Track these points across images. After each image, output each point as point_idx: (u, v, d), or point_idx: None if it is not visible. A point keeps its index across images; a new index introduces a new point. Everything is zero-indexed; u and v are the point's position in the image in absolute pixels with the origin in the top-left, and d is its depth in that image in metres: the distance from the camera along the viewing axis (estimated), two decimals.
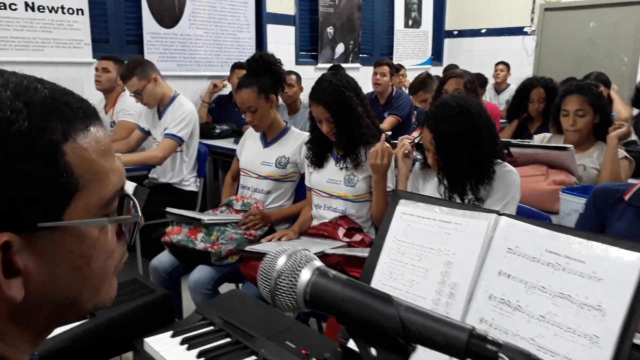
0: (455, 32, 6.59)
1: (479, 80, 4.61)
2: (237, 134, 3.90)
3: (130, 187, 1.89)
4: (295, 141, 2.35)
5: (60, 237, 0.48)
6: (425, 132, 1.66)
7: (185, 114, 2.94)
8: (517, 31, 6.03)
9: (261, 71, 2.29)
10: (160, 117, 3.01)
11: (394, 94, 4.47)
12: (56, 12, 3.49)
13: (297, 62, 5.03)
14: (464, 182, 1.64)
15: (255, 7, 4.55)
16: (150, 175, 3.09)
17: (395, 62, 5.75)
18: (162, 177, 3.04)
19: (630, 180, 2.30)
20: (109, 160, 0.52)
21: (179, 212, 2.16)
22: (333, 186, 2.11)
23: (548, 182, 2.01)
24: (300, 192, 2.42)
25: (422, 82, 3.63)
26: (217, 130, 3.91)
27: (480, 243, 0.99)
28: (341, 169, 2.07)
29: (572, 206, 1.81)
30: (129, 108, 3.34)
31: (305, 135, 2.37)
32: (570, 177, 2.08)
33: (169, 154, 2.89)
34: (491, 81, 5.47)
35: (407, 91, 5.21)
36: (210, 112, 4.31)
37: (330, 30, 5.22)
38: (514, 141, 2.30)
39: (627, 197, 1.50)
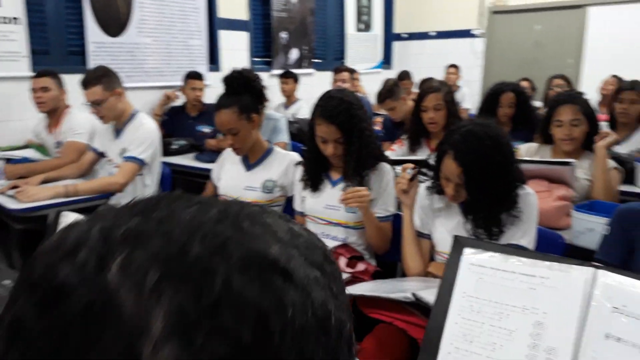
0: (405, 36, 6.60)
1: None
2: (196, 149, 3.65)
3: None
4: (282, 162, 2.17)
5: None
6: (451, 164, 1.53)
7: (147, 133, 2.68)
8: (466, 34, 6.12)
9: (241, 89, 2.09)
10: (117, 135, 2.73)
11: None
12: None
13: (251, 69, 4.81)
14: (494, 216, 1.54)
15: (207, 13, 4.29)
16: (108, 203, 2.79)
17: (348, 66, 5.67)
18: (121, 204, 2.74)
19: (624, 188, 2.32)
20: None
21: None
22: (332, 212, 1.94)
23: (553, 198, 1.96)
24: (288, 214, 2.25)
25: (390, 90, 3.55)
26: (175, 146, 3.63)
27: (579, 301, 0.87)
28: (341, 191, 1.92)
29: (586, 224, 1.76)
30: (78, 127, 3.00)
31: (292, 155, 2.20)
32: (570, 191, 2.04)
33: (131, 178, 2.61)
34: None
35: (363, 96, 5.14)
36: (163, 125, 4.00)
37: (284, 35, 5.03)
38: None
39: None
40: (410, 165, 1.83)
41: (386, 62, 6.53)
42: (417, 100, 2.69)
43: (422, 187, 1.82)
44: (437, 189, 1.71)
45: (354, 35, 5.87)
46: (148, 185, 2.77)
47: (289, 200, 2.20)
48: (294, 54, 5.18)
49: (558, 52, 5.54)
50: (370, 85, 5.83)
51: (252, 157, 2.20)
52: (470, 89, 5.70)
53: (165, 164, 3.00)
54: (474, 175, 1.51)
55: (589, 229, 1.73)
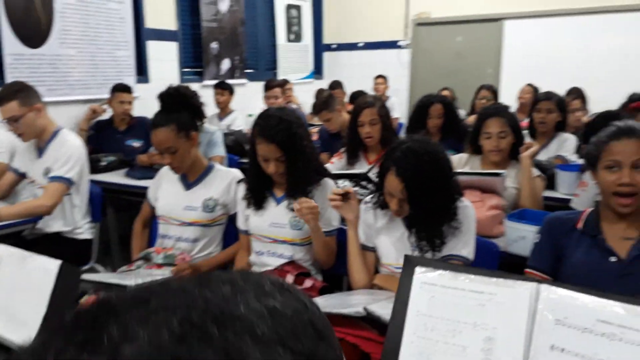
0: (334, 46, 6.71)
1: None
2: (126, 165, 3.50)
3: None
4: (223, 180, 2.14)
5: None
6: (394, 180, 1.58)
7: (72, 150, 2.54)
8: (392, 45, 6.32)
9: (178, 106, 2.04)
10: (40, 154, 2.56)
11: None
12: None
13: (182, 80, 4.70)
14: (436, 229, 1.60)
15: (134, 23, 4.13)
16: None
17: (280, 76, 5.69)
18: (49, 227, 2.57)
19: (546, 194, 2.49)
20: None
21: (97, 279, 1.82)
22: (278, 230, 1.94)
23: (486, 207, 2.07)
24: (229, 235, 2.21)
25: (325, 101, 3.60)
26: (103, 163, 3.47)
27: (525, 315, 0.93)
28: (288, 208, 1.92)
29: (518, 233, 1.87)
30: None
31: (234, 172, 2.17)
32: (501, 200, 2.16)
33: (58, 200, 2.46)
34: (372, 94, 5.65)
35: (297, 107, 5.17)
36: (89, 141, 3.81)
37: (214, 45, 4.96)
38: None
39: (579, 227, 1.56)
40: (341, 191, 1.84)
41: (317, 72, 6.61)
42: (352, 116, 2.74)
43: (365, 201, 1.87)
44: (380, 203, 1.76)
45: (284, 46, 5.89)
46: (77, 206, 2.63)
47: (231, 219, 2.18)
48: (226, 64, 5.12)
49: (478, 62, 5.86)
50: (302, 96, 5.89)
51: (191, 176, 2.14)
52: (398, 98, 5.89)
53: (94, 182, 2.86)
54: (415, 190, 1.56)
55: (521, 236, 1.85)
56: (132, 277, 1.87)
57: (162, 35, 4.47)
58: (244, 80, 5.36)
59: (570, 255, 1.55)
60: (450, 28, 5.95)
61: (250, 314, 0.30)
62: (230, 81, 4.79)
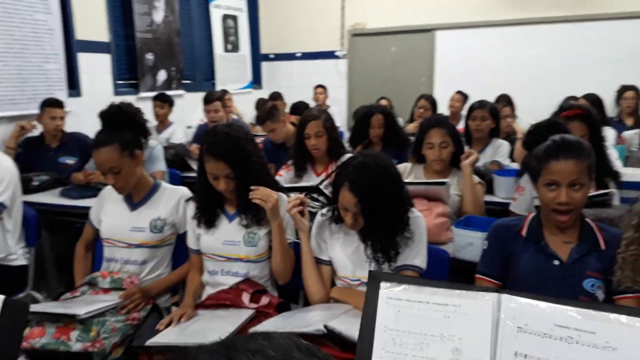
0: (272, 56, 6.71)
1: (301, 108, 4.78)
2: (60, 184, 3.32)
3: None
4: (171, 198, 2.08)
5: None
6: (347, 195, 1.60)
7: (2, 173, 2.39)
8: (330, 55, 6.41)
9: (121, 124, 1.97)
10: None
11: None
12: None
13: (116, 93, 4.53)
14: (390, 240, 1.64)
15: (64, 35, 3.94)
16: None
17: (218, 87, 5.62)
18: None
19: (485, 199, 2.60)
20: None
21: (41, 310, 1.71)
22: (231, 248, 1.91)
23: (433, 215, 2.14)
24: (178, 254, 2.15)
25: (270, 112, 3.59)
26: (35, 182, 3.27)
27: (489, 325, 0.97)
28: (241, 225, 1.89)
29: (466, 239, 1.95)
30: None
31: (182, 190, 2.12)
32: (446, 208, 2.24)
33: None
34: (312, 104, 5.70)
35: (238, 118, 5.13)
36: (17, 159, 3.57)
37: (150, 56, 4.82)
38: None
39: (524, 233, 1.65)
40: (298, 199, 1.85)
41: (256, 82, 6.59)
42: (298, 128, 2.76)
43: (319, 215, 1.88)
44: (335, 217, 1.78)
45: (222, 56, 5.83)
46: (10, 231, 2.47)
47: (180, 238, 2.12)
48: (162, 75, 4.99)
49: (413, 71, 6.07)
50: (242, 106, 5.84)
51: (137, 196, 2.07)
52: (338, 107, 5.98)
53: (26, 203, 2.69)
54: (369, 204, 1.59)
55: (469, 243, 1.93)
56: (77, 305, 1.78)
57: (93, 47, 4.29)
58: (181, 92, 5.24)
59: (517, 260, 1.63)
60: (385, 38, 6.12)
61: None
62: (167, 92, 4.68)
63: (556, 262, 1.56)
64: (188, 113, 5.28)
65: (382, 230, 1.64)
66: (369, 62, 6.27)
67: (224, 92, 5.33)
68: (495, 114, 3.41)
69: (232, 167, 1.78)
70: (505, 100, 4.75)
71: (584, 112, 2.51)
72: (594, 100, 4.51)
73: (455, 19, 5.76)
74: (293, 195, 2.19)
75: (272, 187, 1.97)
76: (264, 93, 6.55)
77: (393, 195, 1.60)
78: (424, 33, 5.93)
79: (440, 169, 2.49)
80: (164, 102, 4.43)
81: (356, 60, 6.32)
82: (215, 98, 4.15)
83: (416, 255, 1.69)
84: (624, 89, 4.97)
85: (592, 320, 0.92)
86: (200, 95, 5.03)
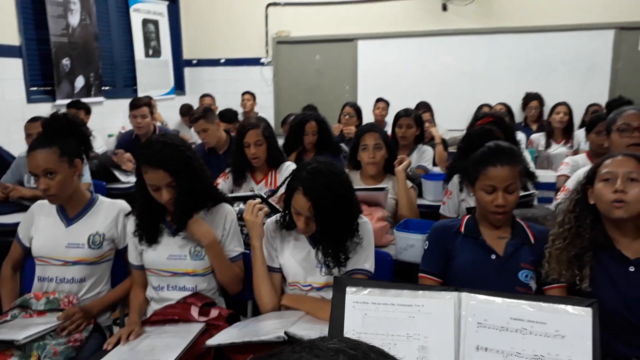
0: (195, 62, 6.58)
1: (229, 115, 4.75)
2: None
3: None
4: (109, 212, 1.99)
5: None
6: (301, 199, 1.63)
7: None
8: (255, 62, 6.40)
9: (64, 132, 1.88)
10: None
11: (157, 132, 4.20)
12: None
13: (30, 100, 4.23)
14: (341, 245, 1.69)
15: None
16: None
17: (140, 93, 5.43)
18: None
19: (419, 202, 2.74)
20: None
21: None
22: (177, 263, 1.86)
23: (374, 220, 2.22)
24: (117, 271, 2.07)
25: (205, 111, 3.51)
26: None
27: (452, 322, 1.05)
28: (186, 238, 1.86)
29: (407, 242, 2.05)
30: None
31: (121, 204, 2.04)
32: (385, 212, 2.35)
33: None
34: (240, 111, 5.66)
35: (162, 124, 4.98)
36: None
37: (66, 61, 4.55)
38: None
39: (462, 231, 1.78)
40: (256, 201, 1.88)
41: (179, 88, 6.42)
42: (237, 137, 2.75)
43: (269, 223, 1.89)
44: (286, 224, 1.80)
45: (143, 61, 5.63)
46: None
47: (118, 253, 2.04)
48: (80, 81, 4.73)
49: (337, 79, 6.22)
50: (165, 112, 5.67)
51: (72, 210, 1.97)
52: (266, 114, 5.97)
53: None
54: (322, 208, 1.64)
55: (410, 245, 2.03)
56: (13, 329, 1.66)
57: (3, 51, 3.98)
58: (100, 99, 5.00)
59: (457, 256, 1.75)
60: (310, 47, 6.22)
61: None
62: (86, 100, 4.45)
63: (493, 256, 1.69)
64: (108, 121, 5.05)
65: (334, 235, 1.69)
66: (295, 70, 6.34)
67: (149, 98, 5.16)
68: (419, 122, 3.61)
69: (172, 174, 1.74)
70: (424, 107, 5.02)
71: (497, 120, 2.75)
72: (506, 109, 4.93)
73: (376, 29, 5.98)
74: (235, 205, 2.19)
75: (215, 194, 1.95)
76: (187, 99, 6.40)
77: (345, 200, 1.66)
78: (346, 42, 6.10)
79: (375, 173, 2.60)
80: (79, 110, 4.18)
81: (282, 68, 6.36)
82: (142, 103, 3.99)
83: (365, 259, 1.75)
84: (528, 97, 5.43)
85: (542, 311, 1.03)
86: (121, 102, 4.84)
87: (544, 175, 2.89)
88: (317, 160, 1.73)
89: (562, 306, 1.04)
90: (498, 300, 1.06)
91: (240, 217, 2.04)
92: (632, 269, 1.53)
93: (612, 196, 1.52)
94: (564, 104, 4.40)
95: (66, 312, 1.80)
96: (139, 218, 1.88)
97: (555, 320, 1.03)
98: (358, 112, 4.67)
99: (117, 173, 3.70)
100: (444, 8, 5.67)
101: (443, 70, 5.90)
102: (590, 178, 1.62)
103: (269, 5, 6.24)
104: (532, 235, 1.73)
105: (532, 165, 2.98)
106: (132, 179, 3.70)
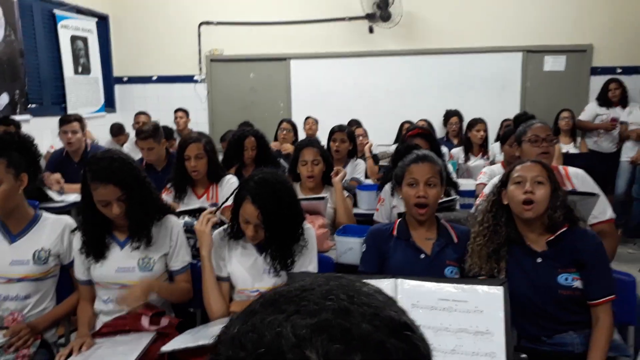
0: (125, 79, 6.50)
1: (165, 132, 4.76)
2: None
3: None
4: (54, 229, 2.01)
5: None
6: (250, 207, 1.75)
7: None
8: (189, 79, 6.42)
9: (13, 146, 1.89)
10: None
11: (89, 149, 4.14)
12: None
13: None
14: (288, 249, 1.82)
15: None
16: None
17: (69, 110, 5.30)
18: None
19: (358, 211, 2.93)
20: None
21: None
22: (126, 275, 1.91)
23: (316, 227, 2.37)
24: (61, 286, 2.08)
25: (155, 129, 3.52)
26: None
27: None
28: (134, 250, 1.91)
29: (347, 245, 2.22)
30: None
31: (66, 220, 2.06)
32: (325, 220, 2.51)
33: None
34: (174, 127, 5.66)
35: (94, 142, 4.88)
36: None
37: None
38: None
39: (395, 233, 1.97)
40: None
41: (109, 105, 6.31)
42: (179, 150, 2.81)
43: (216, 234, 1.99)
44: (234, 234, 1.91)
45: (72, 79, 5.50)
46: None
47: (63, 269, 2.05)
48: (4, 98, 4.56)
49: (271, 96, 6.38)
50: (96, 130, 5.55)
51: (16, 227, 1.96)
52: (200, 131, 6.00)
53: None
54: (270, 215, 1.77)
55: (349, 248, 2.20)
56: None
57: None
58: (27, 116, 4.83)
59: (391, 257, 1.94)
60: (243, 65, 6.34)
61: (373, 293, 0.50)
62: (12, 117, 4.29)
63: (422, 256, 1.89)
64: (36, 139, 4.87)
65: (282, 240, 1.82)
66: (229, 87, 6.42)
67: (78, 116, 5.04)
68: (352, 137, 3.84)
69: (123, 188, 1.80)
70: (356, 123, 5.28)
71: (424, 132, 3.04)
72: (427, 124, 5.30)
73: (308, 50, 6.21)
74: (181, 218, 2.27)
75: (162, 207, 2.02)
76: (118, 116, 6.30)
77: (291, 206, 1.80)
78: (279, 61, 6.29)
79: (313, 185, 2.77)
80: (8, 126, 4.04)
81: (216, 85, 6.43)
82: (73, 118, 3.92)
83: (310, 263, 1.90)
84: (449, 114, 5.84)
85: (464, 292, 1.22)
86: (49, 120, 4.70)
87: (465, 184, 3.19)
88: (262, 171, 1.86)
89: (479, 286, 1.24)
90: (427, 284, 1.24)
91: (186, 229, 2.13)
92: (539, 260, 1.77)
93: (523, 197, 1.76)
94: (482, 121, 4.78)
95: (13, 328, 1.80)
96: (85, 234, 1.91)
97: (474, 298, 1.22)
98: (294, 127, 4.86)
99: (49, 192, 3.62)
100: (371, 30, 6.01)
101: (371, 88, 6.22)
102: (504, 182, 1.86)
103: (201, 24, 6.31)
104: (456, 235, 1.95)
105: (454, 175, 3.27)
106: (67, 198, 3.65)
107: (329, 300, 0.45)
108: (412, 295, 1.23)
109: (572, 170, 2.55)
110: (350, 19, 6.06)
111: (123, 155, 1.90)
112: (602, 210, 2.42)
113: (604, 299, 1.70)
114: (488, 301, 1.21)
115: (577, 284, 1.72)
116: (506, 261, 1.80)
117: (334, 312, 0.44)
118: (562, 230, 1.77)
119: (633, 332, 1.89)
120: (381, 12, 5.84)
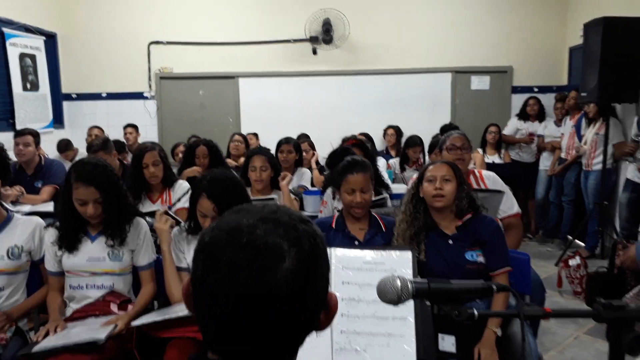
0: (74, 96, 6.57)
1: (118, 146, 4.94)
2: None
3: None
4: (26, 227, 2.21)
5: None
6: (206, 202, 2.03)
7: None
8: (138, 96, 6.58)
9: None
10: None
11: (43, 163, 4.25)
12: None
13: None
14: None
15: None
16: None
17: (18, 126, 5.34)
18: None
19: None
20: None
21: None
22: (96, 264, 2.14)
23: None
24: (31, 281, 2.27)
25: (105, 143, 3.72)
26: None
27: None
28: (106, 245, 2.13)
29: None
30: None
31: (36, 220, 2.27)
32: None
33: None
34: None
35: (48, 157, 4.96)
36: None
37: None
38: None
39: (334, 226, 2.31)
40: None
41: (57, 121, 6.35)
42: (134, 159, 3.04)
43: (175, 231, 2.26)
44: (192, 230, 2.18)
45: (21, 95, 5.54)
46: None
47: (33, 265, 2.24)
48: None
49: (220, 112, 6.63)
50: (44, 145, 5.60)
51: None
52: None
53: None
54: (225, 208, 2.04)
55: None
56: None
57: None
58: None
59: (331, 244, 2.25)
60: (193, 82, 6.57)
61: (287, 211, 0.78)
62: None
63: (356, 243, 2.23)
64: None
65: None
66: (179, 104, 6.62)
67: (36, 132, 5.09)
68: (298, 149, 4.17)
69: (101, 191, 2.04)
70: (304, 137, 5.62)
71: (358, 142, 3.43)
72: (367, 136, 5.72)
73: (255, 69, 6.53)
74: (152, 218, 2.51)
75: (133, 210, 2.27)
76: (67, 133, 6.36)
77: (242, 200, 2.09)
78: (228, 79, 6.57)
79: (261, 189, 3.07)
80: None
81: (165, 102, 6.62)
82: (28, 132, 4.05)
83: None
84: (387, 128, 6.31)
85: (382, 256, 1.56)
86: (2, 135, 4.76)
87: (398, 188, 3.59)
88: (213, 171, 2.16)
89: (393, 251, 1.58)
90: (354, 251, 1.57)
91: (151, 229, 2.38)
92: (450, 241, 2.15)
93: (434, 192, 2.14)
94: (419, 144, 5.14)
95: None
96: (62, 229, 2.13)
97: (390, 261, 1.56)
98: (246, 140, 5.18)
99: (4, 203, 3.71)
100: (314, 52, 6.42)
101: (316, 105, 6.61)
102: (420, 179, 2.25)
103: (151, 43, 6.52)
104: (384, 225, 2.31)
105: (386, 177, 3.65)
106: (21, 208, 3.75)
107: (264, 210, 0.77)
108: (342, 260, 1.56)
109: (485, 172, 3.00)
110: (295, 41, 6.45)
111: (106, 163, 2.14)
112: (510, 206, 2.87)
113: (502, 269, 2.09)
114: (400, 262, 1.55)
115: (481, 259, 2.11)
116: (425, 244, 2.17)
117: (268, 212, 0.75)
118: (467, 217, 2.17)
119: (528, 301, 2.31)
120: (324, 35, 6.28)
